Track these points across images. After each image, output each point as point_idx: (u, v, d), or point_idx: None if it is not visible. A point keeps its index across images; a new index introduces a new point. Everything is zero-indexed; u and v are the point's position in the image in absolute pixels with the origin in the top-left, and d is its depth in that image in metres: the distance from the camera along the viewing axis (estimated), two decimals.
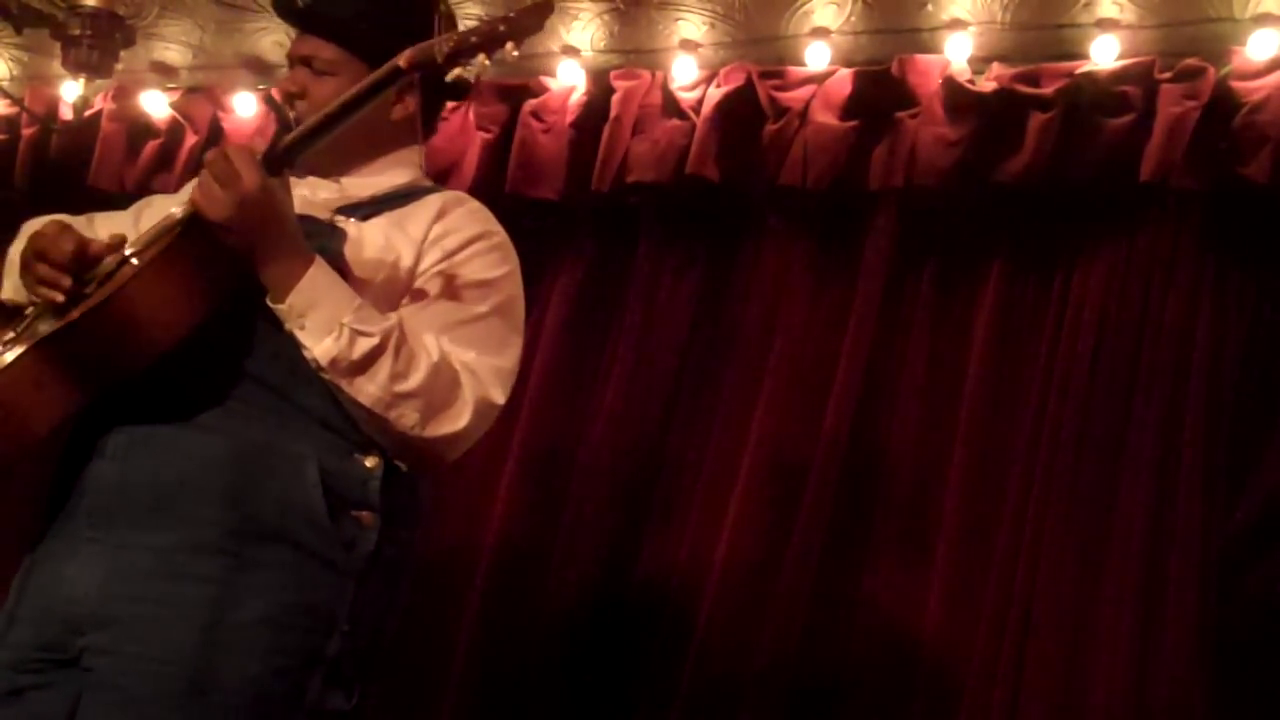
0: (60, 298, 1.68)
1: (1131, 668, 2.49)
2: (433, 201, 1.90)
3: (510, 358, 1.86)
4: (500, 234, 1.92)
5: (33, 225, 1.81)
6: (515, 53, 1.65)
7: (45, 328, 1.68)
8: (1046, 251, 2.83)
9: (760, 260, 3.06)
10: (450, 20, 1.97)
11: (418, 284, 1.82)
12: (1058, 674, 2.54)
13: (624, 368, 3.09)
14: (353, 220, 1.82)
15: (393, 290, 1.80)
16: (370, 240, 1.80)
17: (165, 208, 1.93)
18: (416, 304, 1.80)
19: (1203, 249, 2.67)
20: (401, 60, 1.65)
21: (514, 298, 1.89)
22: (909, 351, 2.87)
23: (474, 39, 1.62)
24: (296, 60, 1.92)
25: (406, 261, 1.82)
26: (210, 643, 1.62)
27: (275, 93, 1.98)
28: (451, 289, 1.82)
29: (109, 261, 1.75)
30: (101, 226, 1.93)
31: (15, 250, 1.86)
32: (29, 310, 1.79)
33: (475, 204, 1.95)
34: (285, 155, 1.71)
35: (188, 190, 2.02)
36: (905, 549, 2.77)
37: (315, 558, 1.69)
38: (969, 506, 2.73)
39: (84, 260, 1.70)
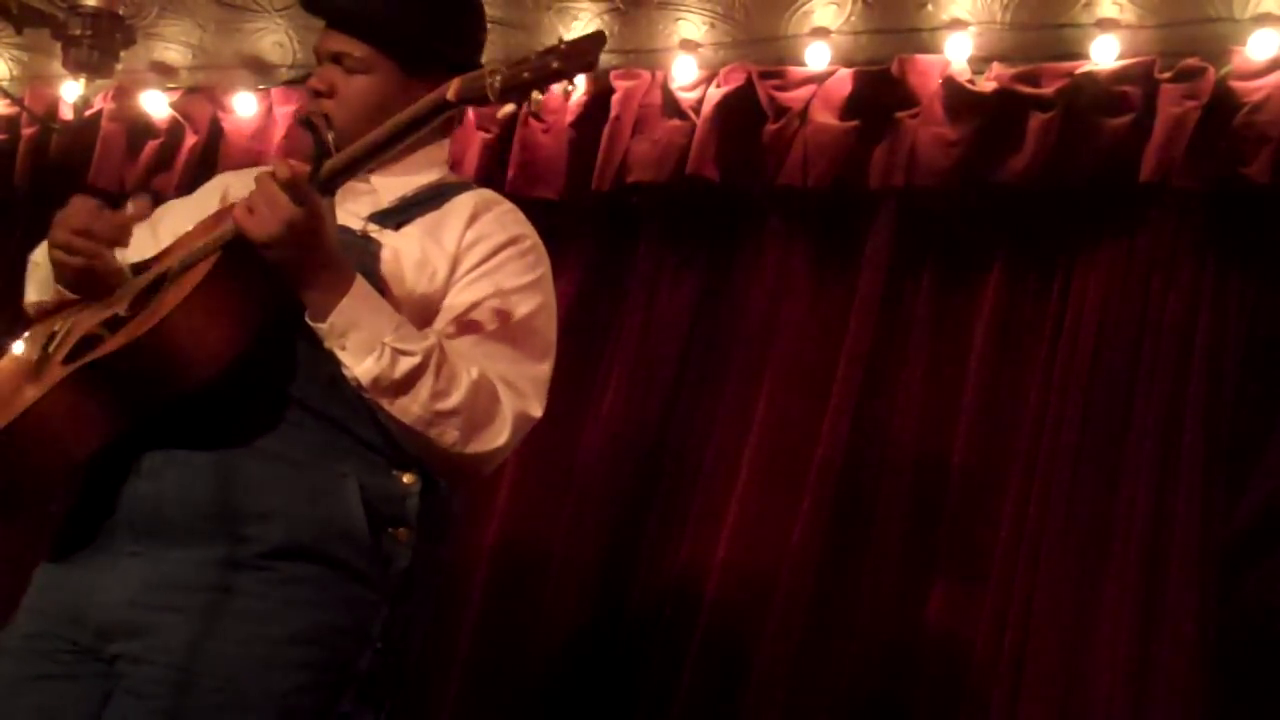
0: (112, 259, 1.68)
1: (1131, 667, 2.49)
2: (464, 204, 1.87)
3: (546, 366, 1.85)
4: (532, 237, 1.90)
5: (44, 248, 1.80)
6: (571, 88, 1.64)
7: (85, 352, 1.66)
8: (1046, 251, 2.83)
9: (760, 260, 3.06)
10: (481, 19, 1.95)
11: (452, 293, 1.80)
12: (1058, 673, 2.54)
13: (624, 367, 3.09)
14: (387, 230, 1.80)
15: (429, 302, 1.78)
16: (406, 253, 1.78)
17: (183, 213, 1.92)
18: (452, 316, 1.78)
19: (1203, 249, 2.67)
20: (450, 93, 1.62)
21: (547, 304, 1.87)
22: (909, 351, 2.87)
23: (526, 75, 1.57)
24: (326, 57, 1.89)
25: (442, 274, 1.80)
26: (246, 656, 1.61)
27: (305, 103, 1.95)
28: (486, 299, 1.79)
29: (141, 279, 1.74)
30: (171, 215, 1.93)
31: (39, 253, 1.85)
32: (58, 326, 1.77)
33: (507, 205, 1.93)
34: (328, 184, 1.68)
35: (203, 194, 2.00)
36: (905, 549, 2.77)
37: (352, 575, 1.68)
38: (969, 506, 2.73)
39: (120, 233, 1.70)
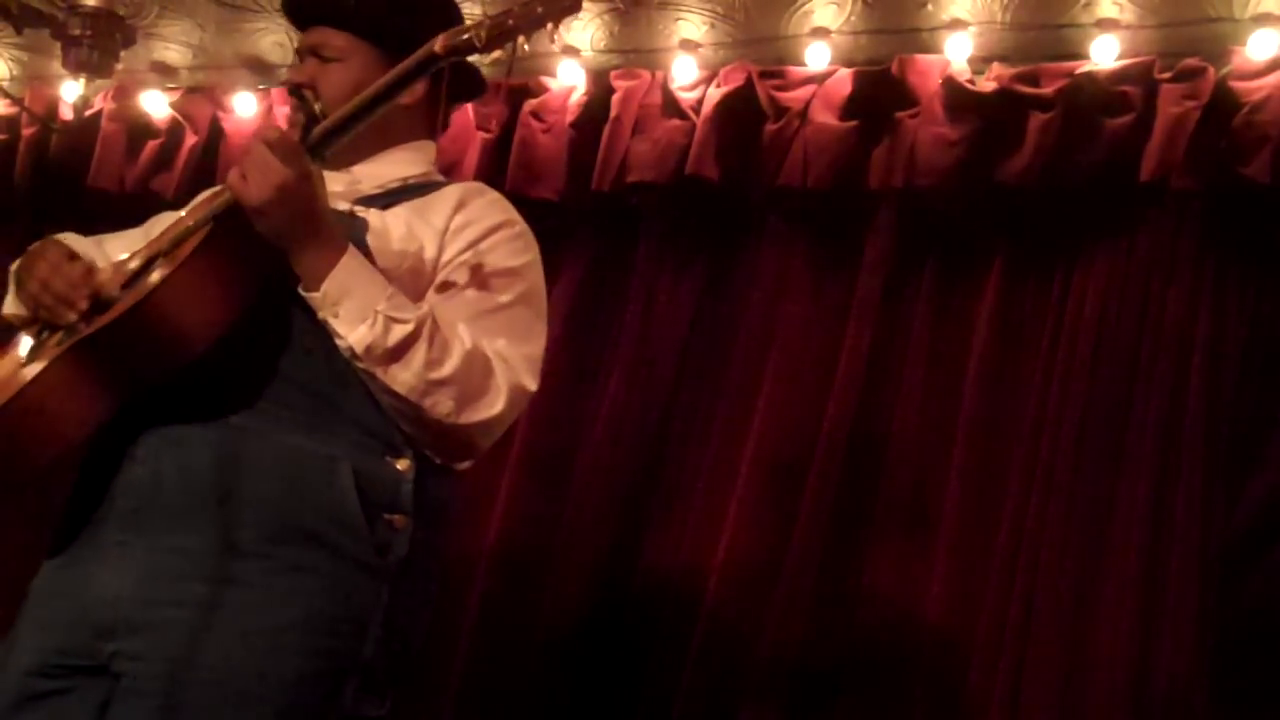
0: (74, 318, 1.67)
1: (1132, 665, 2.49)
2: (451, 192, 1.87)
3: (538, 345, 1.85)
4: (520, 223, 1.91)
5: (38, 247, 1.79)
6: (556, 36, 1.64)
7: (79, 332, 1.65)
8: (1046, 251, 2.83)
9: (760, 260, 3.06)
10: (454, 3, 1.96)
11: (442, 274, 1.79)
12: (1058, 670, 2.54)
13: (624, 367, 3.09)
14: (373, 210, 1.80)
15: (417, 280, 1.77)
16: (393, 229, 1.77)
17: (126, 244, 1.90)
18: (444, 294, 1.78)
19: (1203, 249, 2.67)
20: (437, 45, 1.62)
21: (538, 285, 1.88)
22: (909, 351, 2.87)
23: (511, 22, 1.58)
24: (306, 51, 1.90)
25: (430, 251, 1.79)
26: (247, 648, 1.59)
27: (292, 82, 1.96)
28: (477, 278, 1.79)
29: (131, 268, 1.73)
30: (112, 246, 1.91)
31: (19, 265, 1.84)
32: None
33: (495, 194, 1.93)
34: (318, 146, 1.68)
35: (148, 226, 1.99)
36: (906, 548, 2.77)
37: (350, 561, 1.66)
38: (969, 505, 2.73)
39: (92, 285, 1.69)
